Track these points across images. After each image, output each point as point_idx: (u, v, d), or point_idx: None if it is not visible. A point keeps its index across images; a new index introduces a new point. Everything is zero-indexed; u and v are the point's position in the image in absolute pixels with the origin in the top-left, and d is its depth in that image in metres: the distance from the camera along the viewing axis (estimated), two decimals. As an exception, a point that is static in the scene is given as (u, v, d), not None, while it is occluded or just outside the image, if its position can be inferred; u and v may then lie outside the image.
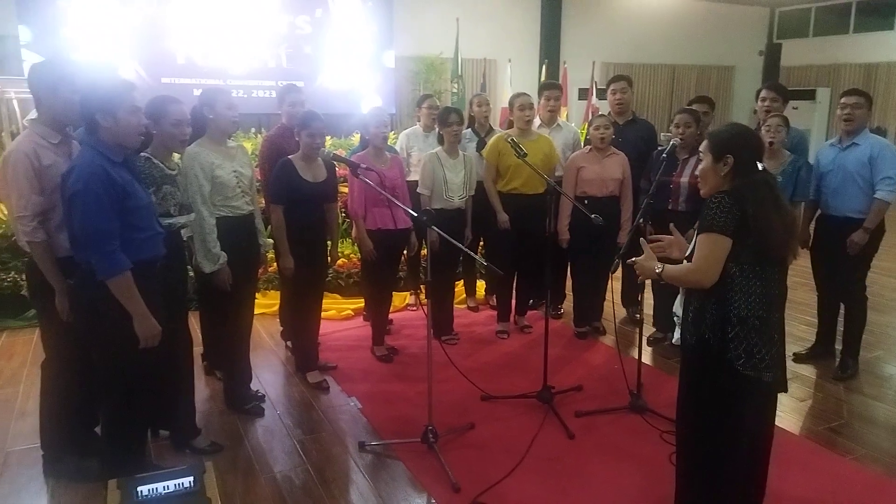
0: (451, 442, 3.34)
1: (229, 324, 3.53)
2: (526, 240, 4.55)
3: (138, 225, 2.50)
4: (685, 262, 2.33)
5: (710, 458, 2.32)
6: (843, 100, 4.07)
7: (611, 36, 12.99)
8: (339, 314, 5.23)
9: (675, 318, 4.50)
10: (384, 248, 4.20)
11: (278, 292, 4.88)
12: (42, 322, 2.91)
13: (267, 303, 5.18)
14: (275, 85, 9.36)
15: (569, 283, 5.14)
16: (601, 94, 8.81)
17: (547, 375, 3.74)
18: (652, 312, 4.82)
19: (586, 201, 4.34)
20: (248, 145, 6.40)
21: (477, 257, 3.60)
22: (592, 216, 3.68)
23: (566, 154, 4.87)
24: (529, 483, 3.01)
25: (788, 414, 3.69)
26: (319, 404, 3.79)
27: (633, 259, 2.48)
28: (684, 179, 4.20)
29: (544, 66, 10.79)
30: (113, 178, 2.40)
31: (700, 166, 2.33)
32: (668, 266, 2.34)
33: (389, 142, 4.79)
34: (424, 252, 3.93)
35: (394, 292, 4.95)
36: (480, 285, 5.73)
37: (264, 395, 3.83)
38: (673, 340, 4.60)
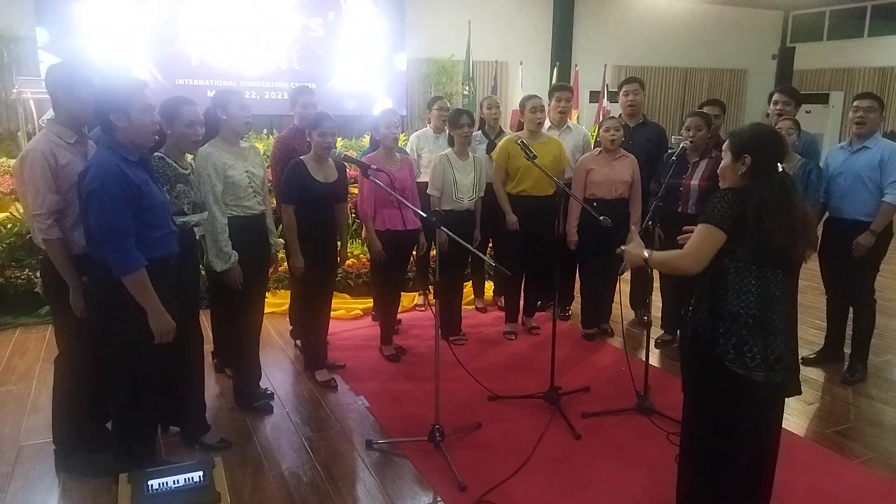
0: (458, 441, 3.36)
1: (240, 322, 3.57)
2: (535, 241, 4.57)
3: (153, 223, 2.55)
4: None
5: (708, 457, 2.34)
6: (856, 103, 4.07)
7: (623, 39, 12.97)
8: (348, 314, 5.26)
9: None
10: (393, 248, 4.23)
11: (288, 291, 4.92)
12: (56, 319, 2.95)
13: (277, 302, 5.22)
14: (287, 86, 9.43)
15: (577, 284, 5.15)
16: (612, 97, 8.83)
17: (554, 376, 3.75)
18: (660, 315, 4.82)
19: (595, 203, 4.35)
20: (260, 146, 6.44)
21: (486, 258, 3.61)
22: (601, 218, 3.69)
23: (576, 156, 4.88)
24: (535, 483, 3.03)
25: (796, 416, 3.68)
26: (328, 402, 3.83)
27: (622, 248, 2.52)
28: (695, 182, 4.20)
29: (555, 69, 10.80)
30: (129, 177, 2.45)
31: (721, 164, 2.35)
32: (655, 252, 2.39)
33: (400, 143, 4.82)
34: (433, 253, 3.96)
35: (402, 292, 4.98)
36: (489, 286, 5.74)
37: (273, 393, 3.87)
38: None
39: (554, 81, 10.20)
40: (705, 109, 4.50)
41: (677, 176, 4.13)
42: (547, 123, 4.95)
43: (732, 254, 2.19)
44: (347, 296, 5.51)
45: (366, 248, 4.87)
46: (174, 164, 3.00)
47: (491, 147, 4.94)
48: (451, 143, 4.56)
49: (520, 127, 4.95)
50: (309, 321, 4.08)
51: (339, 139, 6.04)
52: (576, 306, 5.31)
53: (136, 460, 2.61)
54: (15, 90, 6.68)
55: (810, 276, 4.39)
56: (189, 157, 3.26)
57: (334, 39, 10.15)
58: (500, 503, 2.88)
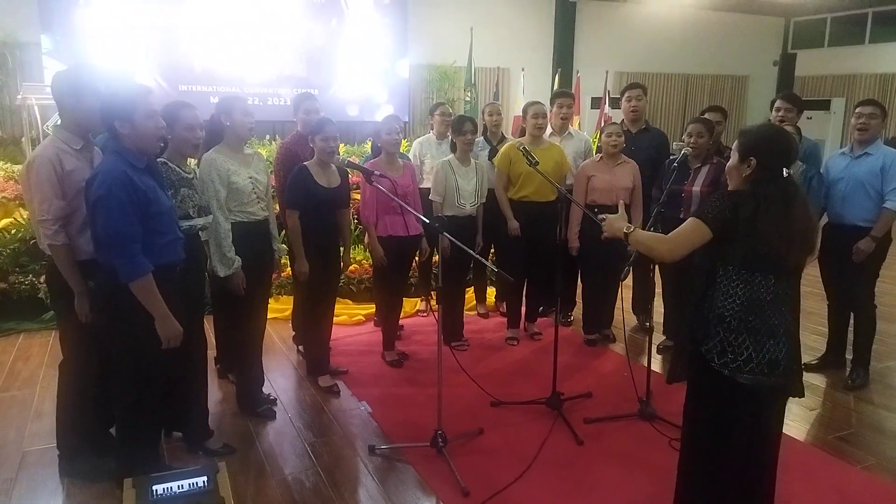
0: (461, 447, 3.36)
1: (242, 328, 3.58)
2: (536, 247, 4.59)
3: (159, 229, 2.57)
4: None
5: (702, 457, 2.37)
6: (858, 109, 4.09)
7: (624, 45, 13.01)
8: (351, 319, 5.27)
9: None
10: (395, 254, 4.25)
11: (291, 297, 4.94)
12: (61, 324, 2.97)
13: (279, 307, 5.24)
14: (290, 92, 9.48)
15: (579, 290, 5.16)
16: (614, 103, 8.86)
17: (556, 382, 3.75)
18: (662, 320, 4.82)
19: (596, 209, 4.36)
20: (263, 152, 6.47)
21: (488, 263, 3.63)
22: (600, 217, 3.69)
23: (577, 162, 4.90)
24: (538, 488, 3.03)
25: (797, 422, 3.68)
26: (330, 408, 3.83)
27: (604, 215, 2.55)
28: (696, 188, 4.21)
29: (557, 75, 10.83)
30: (136, 183, 2.47)
31: (728, 163, 2.36)
32: (637, 230, 2.41)
33: (402, 149, 4.84)
34: (436, 258, 3.97)
35: (404, 298, 4.99)
36: (491, 292, 5.75)
37: (276, 399, 3.88)
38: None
39: (555, 88, 10.22)
40: (707, 116, 4.52)
41: (679, 182, 4.14)
42: (549, 130, 4.97)
43: (723, 258, 2.21)
44: (350, 301, 5.52)
45: (368, 254, 4.88)
46: (177, 168, 3.02)
47: (493, 153, 4.96)
48: (453, 149, 4.58)
49: (522, 133, 4.97)
50: (312, 327, 4.09)
51: (341, 145, 6.07)
52: (577, 312, 5.32)
53: (139, 465, 2.61)
54: (19, 96, 6.71)
55: (811, 282, 4.40)
56: (192, 161, 3.28)
57: (337, 46, 10.20)
58: (502, 509, 2.88)
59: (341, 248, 4.13)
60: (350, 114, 10.30)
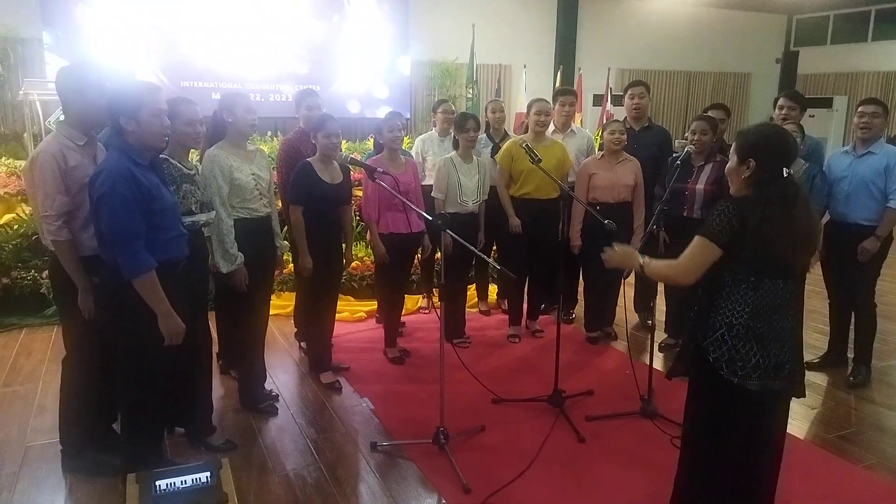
0: (462, 444, 3.37)
1: (245, 324, 3.59)
2: (537, 245, 4.59)
3: (163, 226, 2.57)
4: None
5: (702, 457, 2.36)
6: (860, 108, 4.08)
7: (626, 42, 12.98)
8: (353, 316, 5.28)
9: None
10: (397, 251, 4.25)
11: (293, 294, 4.94)
12: (64, 320, 2.97)
13: (281, 304, 5.24)
14: (291, 89, 9.46)
15: (580, 287, 5.16)
16: (616, 101, 8.84)
17: (558, 379, 3.76)
18: (664, 318, 4.82)
19: (598, 207, 4.36)
20: (265, 148, 6.47)
21: (490, 261, 3.63)
22: (606, 221, 3.70)
23: (580, 160, 4.90)
24: (539, 486, 3.04)
25: (799, 421, 3.69)
26: (332, 404, 3.84)
27: (611, 250, 2.50)
28: (700, 186, 4.21)
29: (559, 72, 10.81)
30: (139, 180, 2.47)
31: (728, 165, 2.34)
32: (653, 261, 2.39)
33: (404, 146, 4.84)
34: (438, 256, 3.97)
35: (406, 295, 4.99)
36: (492, 289, 5.76)
37: (278, 395, 3.89)
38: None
39: (557, 85, 10.20)
40: (710, 113, 4.51)
41: (682, 180, 4.14)
42: (551, 127, 4.96)
43: (731, 268, 2.19)
44: (352, 298, 5.53)
45: (370, 251, 4.89)
46: (178, 164, 3.02)
47: (496, 150, 4.96)
48: (455, 146, 4.58)
49: (524, 130, 4.97)
50: (314, 323, 4.10)
51: (343, 142, 6.06)
52: (579, 310, 5.32)
53: (142, 461, 2.62)
54: (21, 92, 6.70)
55: (813, 281, 4.38)
56: (194, 158, 3.27)
57: (338, 42, 10.17)
58: (504, 506, 2.88)
59: (343, 245, 4.13)
60: (351, 110, 10.28)
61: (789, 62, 14.30)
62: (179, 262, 2.70)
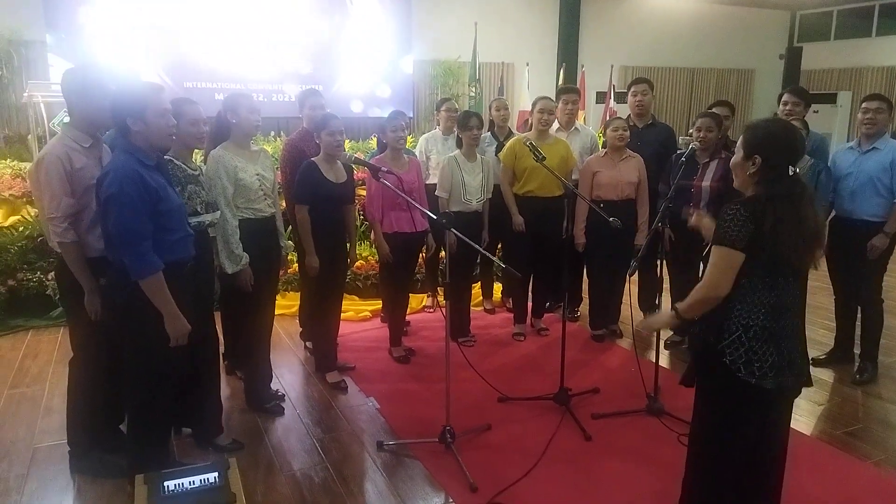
0: (469, 442, 3.37)
1: (250, 324, 3.60)
2: (542, 243, 4.59)
3: (169, 227, 2.58)
4: (702, 264, 2.35)
5: (714, 461, 2.34)
6: (864, 105, 4.07)
7: (629, 39, 12.96)
8: (357, 315, 5.28)
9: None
10: (401, 250, 4.25)
11: (298, 294, 4.95)
12: (70, 321, 2.98)
13: (287, 304, 5.25)
14: (294, 89, 9.47)
15: (585, 285, 5.16)
16: (619, 98, 8.83)
17: (564, 378, 3.76)
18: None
19: (602, 205, 4.35)
20: (268, 148, 6.49)
21: (495, 259, 3.63)
22: (611, 219, 3.70)
23: (584, 157, 4.89)
24: (546, 484, 3.04)
25: (806, 417, 3.68)
26: (338, 404, 3.84)
27: (646, 322, 2.46)
28: (706, 183, 4.20)
29: (562, 70, 10.80)
30: (146, 181, 2.48)
31: (733, 158, 2.33)
32: (678, 305, 2.30)
33: (407, 145, 4.83)
34: (443, 254, 3.96)
35: (411, 294, 4.99)
36: (497, 288, 5.75)
37: (284, 395, 3.89)
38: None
39: (560, 82, 10.20)
40: (715, 110, 4.50)
41: (687, 177, 4.13)
42: (555, 125, 4.96)
43: (748, 271, 2.15)
44: (356, 298, 5.53)
45: (374, 250, 4.89)
46: (182, 165, 3.03)
47: (500, 149, 4.95)
48: (459, 145, 4.58)
49: (528, 128, 4.96)
50: (319, 323, 4.10)
51: (346, 141, 6.07)
52: (584, 307, 5.32)
53: (150, 461, 2.63)
54: (25, 94, 6.73)
55: (818, 277, 4.38)
56: (198, 159, 3.28)
57: (341, 42, 10.17)
58: (511, 504, 2.88)
59: (347, 244, 4.13)
60: (354, 110, 10.29)
61: (793, 58, 14.25)
62: (186, 263, 2.70)
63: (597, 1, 12.56)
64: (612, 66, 10.13)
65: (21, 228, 5.25)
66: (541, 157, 3.76)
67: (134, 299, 2.49)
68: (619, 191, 4.51)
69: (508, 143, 4.72)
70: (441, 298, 3.24)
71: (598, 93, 11.62)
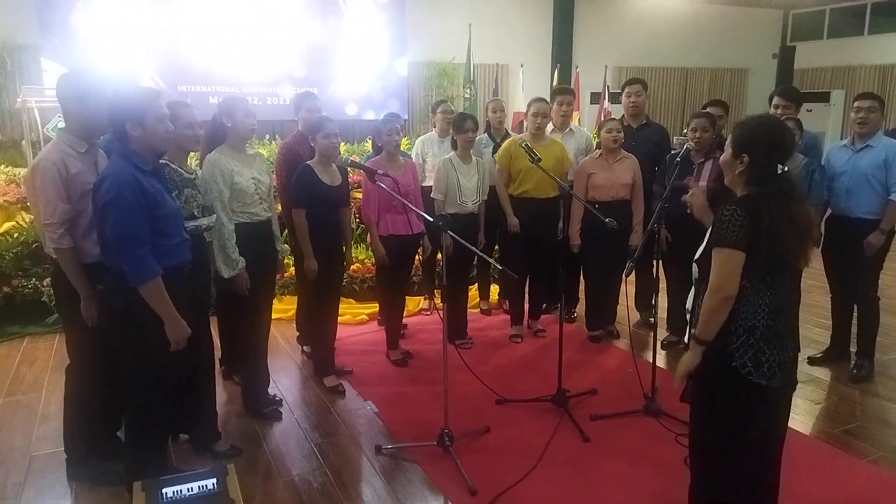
0: (467, 445, 3.36)
1: (247, 329, 3.59)
2: (537, 244, 4.59)
3: (167, 231, 2.57)
4: (695, 265, 2.34)
5: (723, 464, 2.30)
6: (856, 104, 4.10)
7: (623, 40, 12.99)
8: (354, 319, 5.27)
9: (688, 315, 4.50)
10: (397, 253, 4.24)
11: (294, 297, 4.94)
12: (67, 328, 2.97)
13: (283, 308, 5.24)
14: (289, 92, 9.46)
15: (581, 286, 5.16)
16: (613, 98, 8.84)
17: (561, 379, 3.76)
18: (666, 316, 4.82)
19: (597, 206, 4.35)
20: (264, 152, 6.47)
21: (492, 261, 3.63)
22: (607, 220, 3.70)
23: (579, 158, 4.89)
24: (545, 486, 3.04)
25: (803, 416, 3.69)
26: (336, 408, 3.84)
27: (676, 377, 2.33)
28: (703, 183, 4.20)
29: (556, 71, 10.82)
30: (144, 186, 2.47)
31: (722, 156, 2.33)
32: (694, 331, 2.27)
33: (403, 147, 4.83)
34: (439, 257, 3.96)
35: (407, 297, 4.99)
36: (494, 289, 5.75)
37: (282, 400, 3.88)
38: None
39: (555, 83, 10.22)
40: (709, 110, 4.51)
41: (682, 177, 4.13)
42: (550, 126, 4.96)
43: (748, 271, 2.14)
44: (353, 301, 5.52)
45: (370, 253, 4.89)
46: (179, 169, 3.03)
47: (497, 150, 4.96)
48: (454, 146, 4.58)
49: (523, 129, 4.96)
50: (317, 326, 4.09)
51: (341, 144, 6.07)
52: (580, 308, 5.32)
53: (148, 468, 2.61)
54: (19, 99, 6.70)
55: (814, 275, 4.39)
56: (193, 162, 3.27)
57: (335, 44, 10.18)
58: (510, 507, 2.88)
59: (343, 247, 4.12)
60: (349, 112, 10.29)
61: (786, 57, 14.31)
62: (183, 267, 2.70)
63: (591, 2, 12.59)
64: (606, 67, 10.16)
65: (16, 235, 5.23)
66: (536, 158, 3.76)
67: (131, 305, 2.48)
68: (613, 192, 4.52)
69: (504, 144, 4.72)
70: (438, 301, 3.24)
71: (592, 93, 11.65)
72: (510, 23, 11.92)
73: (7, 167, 6.27)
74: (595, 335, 4.88)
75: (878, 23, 13.14)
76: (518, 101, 9.61)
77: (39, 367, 4.38)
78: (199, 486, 2.34)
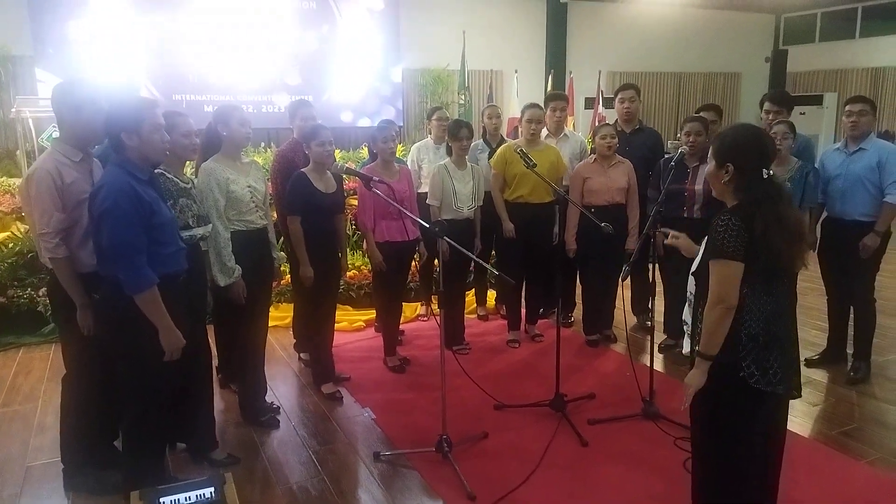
0: (466, 451, 3.36)
1: (244, 337, 3.58)
2: (532, 249, 4.60)
3: (162, 241, 2.57)
4: (691, 277, 2.35)
5: (727, 469, 2.30)
6: (847, 107, 4.12)
7: (616, 45, 13.05)
8: (351, 325, 5.27)
9: (685, 327, 4.51)
10: (394, 260, 4.24)
11: (291, 305, 4.93)
12: (62, 337, 2.96)
13: (280, 315, 5.23)
14: (283, 100, 9.48)
15: (578, 291, 5.17)
16: (607, 103, 8.87)
17: (559, 383, 3.76)
18: (663, 319, 4.83)
19: (592, 210, 4.37)
20: (259, 160, 6.48)
21: (489, 267, 3.63)
22: (603, 225, 3.71)
23: (573, 163, 4.91)
24: (544, 491, 3.03)
25: (801, 418, 3.69)
26: (334, 415, 3.83)
27: (685, 395, 2.30)
28: (699, 187, 4.21)
29: (550, 76, 10.85)
30: (140, 195, 2.48)
31: (706, 169, 2.34)
32: (697, 347, 2.26)
33: (398, 154, 4.84)
34: (436, 263, 3.96)
35: (404, 303, 4.98)
36: (491, 295, 5.76)
37: (279, 407, 3.87)
38: (684, 351, 4.59)
39: (549, 89, 10.24)
40: (702, 114, 4.53)
41: (677, 181, 4.15)
42: (544, 132, 4.98)
43: (748, 280, 2.14)
44: (350, 308, 5.52)
45: (367, 260, 4.89)
46: (175, 178, 3.03)
47: (493, 156, 4.97)
48: (450, 153, 4.59)
49: (517, 135, 4.98)
50: (314, 334, 4.09)
51: (336, 151, 6.08)
52: (577, 313, 5.32)
53: (145, 477, 2.61)
54: (13, 109, 6.70)
55: (810, 278, 4.42)
56: (189, 171, 3.28)
57: (330, 52, 10.20)
58: (509, 512, 2.88)
59: (339, 254, 4.12)
60: (344, 119, 10.31)
61: (779, 61, 14.37)
62: (179, 276, 2.70)
63: (583, 7, 12.65)
64: (599, 72, 10.19)
65: (11, 245, 5.21)
66: (531, 163, 3.77)
67: (128, 313, 2.47)
68: (609, 196, 4.53)
69: (499, 150, 4.74)
70: (435, 307, 3.24)
71: (586, 98, 11.69)
72: (504, 29, 11.97)
73: (2, 177, 6.27)
74: (592, 339, 4.88)
75: (870, 26, 13.23)
76: (513, 107, 9.63)
77: (35, 377, 4.36)
78: (196, 495, 2.33)
